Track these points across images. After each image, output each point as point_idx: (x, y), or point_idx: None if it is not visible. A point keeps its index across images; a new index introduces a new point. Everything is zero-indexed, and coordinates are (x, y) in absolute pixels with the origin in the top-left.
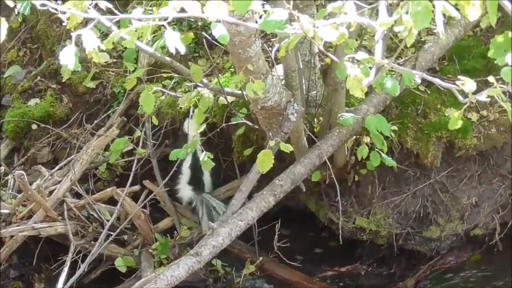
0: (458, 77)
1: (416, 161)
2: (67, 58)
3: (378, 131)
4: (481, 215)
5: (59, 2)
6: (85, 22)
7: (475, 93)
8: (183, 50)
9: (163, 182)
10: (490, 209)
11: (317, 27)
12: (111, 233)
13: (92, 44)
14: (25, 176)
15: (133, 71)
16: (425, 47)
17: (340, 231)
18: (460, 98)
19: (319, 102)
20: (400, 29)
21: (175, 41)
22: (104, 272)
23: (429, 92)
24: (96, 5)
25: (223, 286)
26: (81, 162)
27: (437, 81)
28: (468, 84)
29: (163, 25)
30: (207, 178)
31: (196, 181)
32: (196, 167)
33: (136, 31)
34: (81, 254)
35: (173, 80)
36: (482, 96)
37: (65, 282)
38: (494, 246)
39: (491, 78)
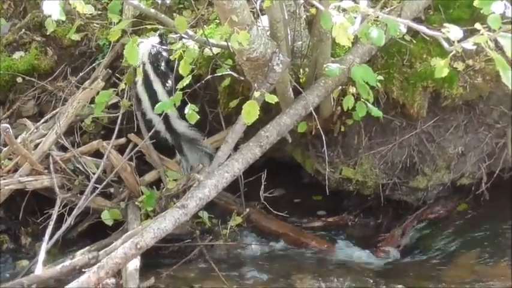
0: (444, 24)
1: (402, 111)
2: (51, 8)
3: (363, 81)
4: (467, 164)
5: None
6: None
7: (460, 41)
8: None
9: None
10: (476, 158)
11: None
12: (98, 185)
13: None
14: (10, 130)
15: (117, 23)
16: None
17: (327, 181)
18: (446, 45)
19: (304, 53)
20: None
21: None
22: (91, 225)
23: (415, 41)
24: None
25: (210, 238)
26: (67, 115)
27: (423, 29)
28: (454, 31)
29: None
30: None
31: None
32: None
33: None
34: (68, 208)
35: (158, 32)
36: (469, 44)
37: (52, 235)
38: (481, 195)
39: (478, 26)
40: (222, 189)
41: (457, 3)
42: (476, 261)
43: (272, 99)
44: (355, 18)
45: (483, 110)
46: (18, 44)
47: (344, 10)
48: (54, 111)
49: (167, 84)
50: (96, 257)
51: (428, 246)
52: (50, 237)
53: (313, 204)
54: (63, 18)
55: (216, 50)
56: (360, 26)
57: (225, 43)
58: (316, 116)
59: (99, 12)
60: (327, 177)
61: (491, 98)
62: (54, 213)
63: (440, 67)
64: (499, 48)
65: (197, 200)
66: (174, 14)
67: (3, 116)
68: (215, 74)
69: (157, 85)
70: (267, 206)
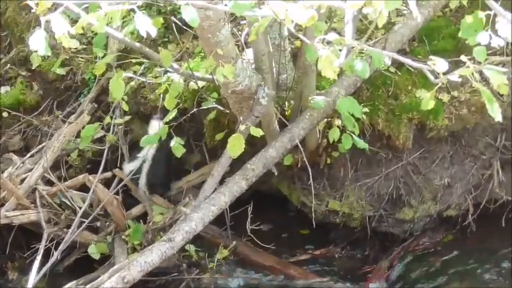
0: (430, 57)
1: (388, 142)
2: (37, 43)
3: (349, 113)
4: (453, 195)
5: None
6: (54, 8)
7: (446, 73)
8: (154, 33)
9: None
10: (462, 189)
11: (287, 10)
12: (84, 220)
13: (61, 28)
14: None
15: (102, 57)
16: (394, 28)
17: (313, 214)
18: (432, 78)
19: (289, 86)
20: (370, 11)
21: (146, 25)
22: (78, 260)
23: (400, 73)
24: None
25: (197, 271)
26: (53, 149)
27: (408, 61)
28: (439, 64)
29: (132, 9)
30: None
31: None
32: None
33: (105, 15)
34: (55, 242)
35: (143, 66)
36: (454, 76)
37: (39, 269)
38: (468, 226)
39: (463, 58)
40: (209, 223)
41: (441, 35)
42: None
43: (258, 132)
44: (340, 50)
45: (469, 141)
46: (3, 79)
47: (329, 43)
48: (40, 146)
49: None
50: None
51: (416, 279)
52: (37, 272)
53: (300, 237)
54: (49, 53)
55: (201, 83)
56: (346, 58)
57: (210, 76)
58: (302, 149)
59: (84, 46)
60: (313, 210)
61: (476, 129)
62: (41, 247)
63: (427, 99)
64: (484, 79)
65: (184, 234)
66: (159, 48)
67: None
68: (200, 107)
69: None
70: (254, 238)
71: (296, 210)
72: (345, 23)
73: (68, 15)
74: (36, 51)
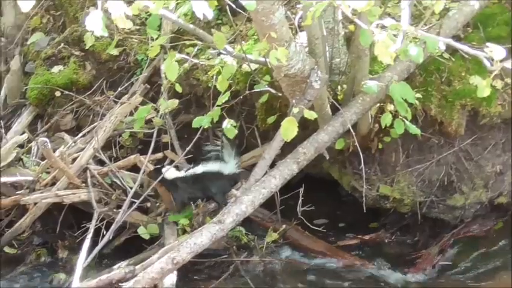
0: (487, 44)
1: (440, 128)
2: (93, 24)
3: (402, 98)
4: (505, 183)
5: None
6: None
7: (502, 60)
8: (210, 16)
9: (185, 151)
10: None
11: None
12: (135, 200)
13: (118, 9)
14: (48, 143)
15: (156, 38)
16: (449, 14)
17: (364, 199)
18: (488, 65)
19: (342, 70)
20: None
21: (202, 7)
22: (127, 240)
23: (453, 59)
24: None
25: (246, 254)
26: (104, 129)
27: (464, 48)
28: (497, 51)
29: None
30: None
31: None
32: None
33: None
34: (105, 222)
35: (196, 48)
36: (509, 63)
37: (89, 249)
38: None
39: None
40: (259, 206)
41: (496, 21)
42: None
43: (311, 115)
44: (395, 35)
45: None
46: (57, 58)
47: (383, 27)
48: (92, 126)
49: None
50: (132, 272)
51: (465, 266)
52: (88, 251)
53: (350, 222)
54: (105, 34)
55: (254, 66)
56: (402, 43)
57: (263, 59)
58: (354, 133)
59: (138, 27)
60: (364, 195)
61: None
62: (92, 227)
63: (482, 86)
64: None
65: (234, 216)
66: (213, 30)
67: (41, 130)
68: (253, 90)
69: None
70: (304, 220)
71: (346, 195)
72: (401, 8)
73: None
74: (90, 31)
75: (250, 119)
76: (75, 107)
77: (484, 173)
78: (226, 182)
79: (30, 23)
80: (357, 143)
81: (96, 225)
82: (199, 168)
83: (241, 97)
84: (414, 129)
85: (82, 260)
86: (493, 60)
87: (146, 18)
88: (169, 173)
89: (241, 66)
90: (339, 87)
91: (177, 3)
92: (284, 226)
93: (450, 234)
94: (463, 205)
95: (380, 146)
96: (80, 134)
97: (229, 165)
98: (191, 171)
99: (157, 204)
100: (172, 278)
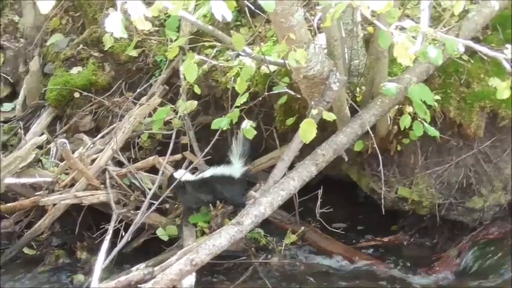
0: (506, 45)
1: (459, 130)
2: (113, 25)
3: (421, 100)
4: None
5: None
6: None
7: None
8: (230, 17)
9: (203, 153)
10: None
11: None
12: (154, 202)
13: (138, 11)
14: (67, 144)
15: (175, 40)
16: (468, 16)
17: (383, 201)
18: (508, 66)
19: (361, 72)
20: None
21: (221, 8)
22: (146, 241)
23: (472, 61)
24: None
25: (265, 255)
26: (123, 130)
27: (484, 49)
28: None
29: None
30: None
31: None
32: None
33: None
34: (123, 223)
35: (215, 49)
36: None
37: (108, 251)
38: None
39: None
40: (277, 207)
41: None
42: None
43: (330, 117)
44: (414, 37)
45: None
46: (76, 59)
47: (402, 29)
48: (111, 127)
49: None
50: (151, 273)
51: (484, 269)
52: (107, 252)
53: (369, 224)
54: (125, 35)
55: (272, 68)
56: (421, 45)
57: (282, 61)
58: (372, 135)
59: (157, 28)
60: (382, 196)
61: None
62: (110, 228)
63: (502, 88)
64: None
65: (252, 218)
66: (232, 31)
67: (60, 131)
68: (271, 92)
69: None
70: (323, 222)
71: (365, 197)
72: (420, 9)
73: None
74: (109, 33)
75: (268, 120)
76: (94, 108)
77: (503, 175)
78: (237, 185)
79: (49, 24)
80: (375, 145)
81: (114, 226)
82: (208, 172)
83: (260, 99)
84: (433, 131)
85: (101, 261)
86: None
87: (165, 20)
88: (179, 174)
89: (260, 68)
90: (358, 89)
91: (196, 5)
92: (303, 228)
93: (469, 236)
94: (482, 207)
95: (399, 148)
96: (99, 135)
97: (236, 167)
98: (200, 175)
99: (176, 205)
100: (190, 280)
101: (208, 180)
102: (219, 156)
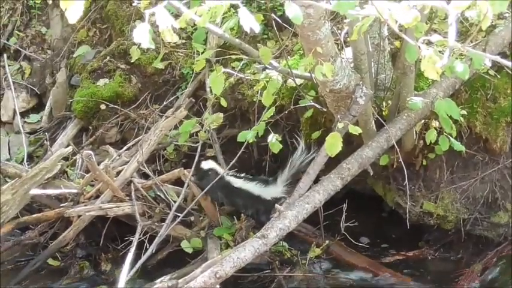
0: None
1: (485, 145)
2: (141, 36)
3: (447, 114)
4: None
5: None
6: (155, 2)
7: None
8: (257, 29)
9: (229, 165)
10: None
11: (390, 10)
12: (178, 214)
13: (165, 22)
14: (93, 156)
15: (202, 53)
16: (495, 31)
17: (408, 215)
18: None
19: (388, 86)
20: (472, 14)
21: (250, 20)
22: (170, 253)
23: (499, 76)
24: None
25: (289, 269)
26: (149, 142)
27: (511, 65)
28: None
29: (235, 5)
30: None
31: None
32: None
33: (209, 10)
34: (148, 235)
35: (242, 62)
36: None
37: (132, 263)
38: None
39: None
40: (302, 221)
41: None
42: None
43: (356, 130)
44: (441, 52)
45: None
46: (102, 71)
47: (429, 43)
48: (136, 139)
49: None
50: (175, 285)
51: (509, 284)
52: (131, 264)
53: (393, 238)
54: (152, 46)
55: (299, 81)
56: (448, 60)
57: (308, 74)
58: (398, 149)
59: (183, 41)
60: (407, 211)
61: None
62: (135, 240)
63: None
64: None
65: (277, 231)
66: (259, 45)
67: (86, 143)
68: (298, 105)
69: None
70: (347, 236)
71: (390, 211)
72: (448, 24)
73: (168, 9)
74: (136, 45)
75: (294, 133)
76: (120, 120)
77: None
78: (264, 207)
79: (76, 35)
80: (401, 159)
81: (139, 238)
82: (237, 182)
83: (286, 112)
84: (459, 146)
85: (125, 273)
86: None
87: (192, 33)
88: (207, 163)
89: (286, 81)
90: (384, 103)
91: (224, 18)
92: (327, 241)
93: (494, 251)
94: (507, 222)
95: (424, 163)
96: (125, 147)
97: (274, 190)
98: (229, 177)
99: (201, 218)
100: None
101: (234, 189)
102: (245, 170)
